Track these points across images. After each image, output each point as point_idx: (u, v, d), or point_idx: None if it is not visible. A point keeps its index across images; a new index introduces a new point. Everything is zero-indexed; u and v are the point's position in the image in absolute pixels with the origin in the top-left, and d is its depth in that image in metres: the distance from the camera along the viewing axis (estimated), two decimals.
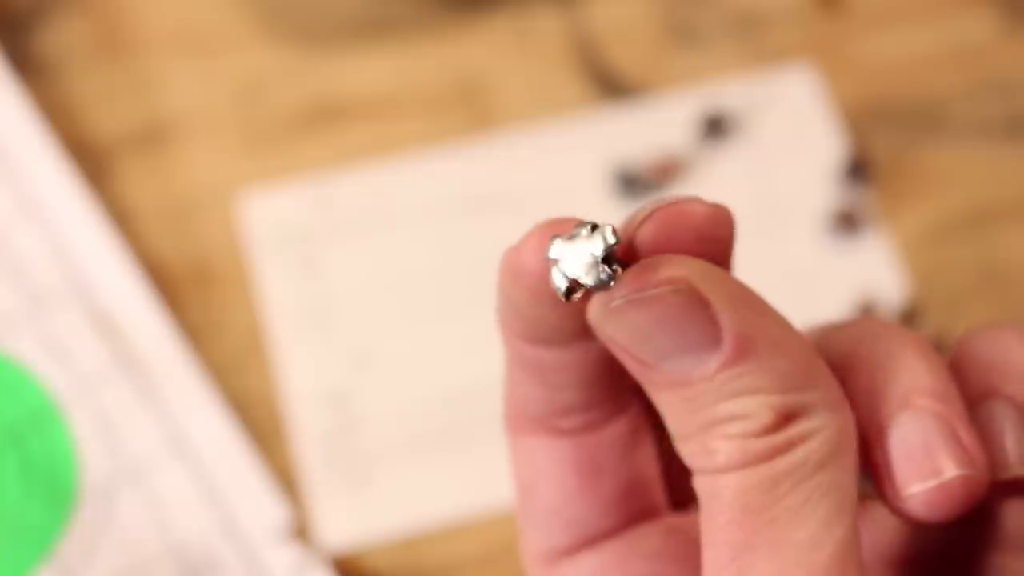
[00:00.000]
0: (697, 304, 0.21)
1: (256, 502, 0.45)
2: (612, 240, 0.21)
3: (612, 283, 0.21)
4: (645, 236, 0.22)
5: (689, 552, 0.26)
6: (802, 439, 0.21)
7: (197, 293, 0.49)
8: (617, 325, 0.21)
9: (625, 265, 0.22)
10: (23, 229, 0.49)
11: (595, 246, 0.21)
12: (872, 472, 0.23)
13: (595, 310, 0.22)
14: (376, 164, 0.51)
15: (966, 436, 0.22)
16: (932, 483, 0.22)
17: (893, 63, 0.53)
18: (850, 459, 0.21)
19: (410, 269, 0.49)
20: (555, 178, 0.51)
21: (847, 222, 0.49)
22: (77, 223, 0.49)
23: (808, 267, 0.49)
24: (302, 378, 0.48)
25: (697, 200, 0.22)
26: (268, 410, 0.47)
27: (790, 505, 0.21)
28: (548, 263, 0.22)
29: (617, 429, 0.26)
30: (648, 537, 0.26)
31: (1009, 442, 0.23)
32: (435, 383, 0.47)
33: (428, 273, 0.49)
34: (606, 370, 0.25)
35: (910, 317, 0.48)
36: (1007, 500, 0.24)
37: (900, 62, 0.53)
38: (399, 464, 0.46)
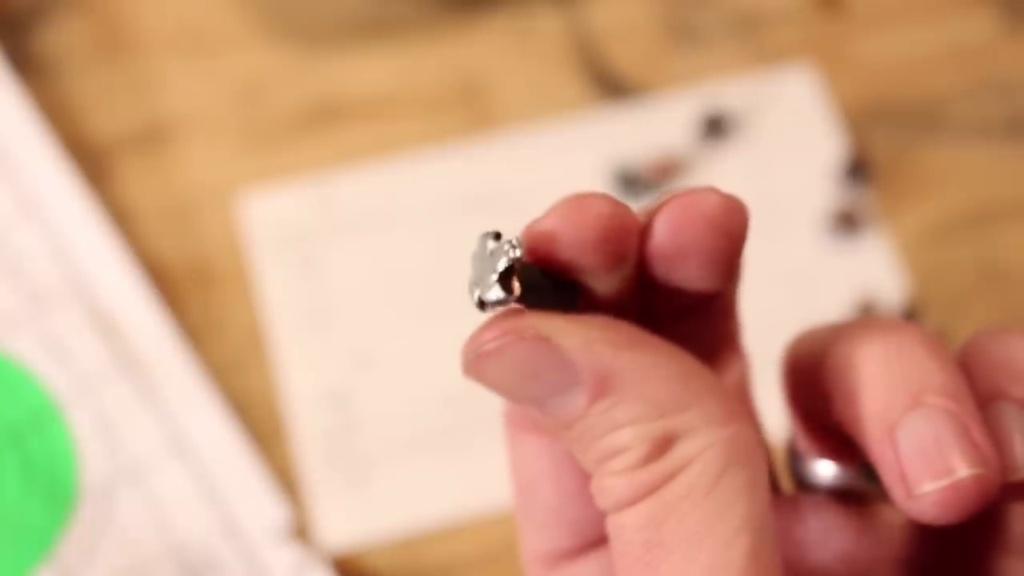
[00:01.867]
0: (544, 348, 0.21)
1: (256, 502, 0.45)
2: (507, 266, 0.21)
3: (500, 306, 0.21)
4: (659, 225, 0.22)
5: None
6: (686, 464, 0.21)
7: (197, 293, 0.49)
8: (478, 376, 0.22)
9: (547, 288, 0.22)
10: (23, 229, 0.49)
11: (496, 277, 0.21)
12: (882, 471, 0.23)
13: (462, 365, 0.22)
14: (376, 164, 0.51)
15: (978, 435, 0.22)
16: (945, 482, 0.22)
17: (893, 63, 0.53)
18: (746, 472, 0.21)
19: (410, 269, 0.49)
20: (555, 178, 0.51)
21: (847, 222, 0.49)
22: (77, 223, 0.49)
23: (808, 267, 0.49)
24: (302, 378, 0.48)
25: (711, 190, 0.22)
26: (268, 410, 0.47)
27: (687, 533, 0.20)
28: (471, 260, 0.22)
29: None
30: None
31: (1017, 444, 0.23)
32: (435, 383, 0.47)
33: (428, 273, 0.49)
34: None
35: (910, 317, 0.48)
36: (1014, 503, 0.24)
37: (900, 62, 0.53)
38: (399, 464, 0.46)
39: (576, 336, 0.21)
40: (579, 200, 0.22)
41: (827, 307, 0.48)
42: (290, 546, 0.44)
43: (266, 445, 0.46)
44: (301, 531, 0.45)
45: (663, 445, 0.21)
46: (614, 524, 0.21)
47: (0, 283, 0.48)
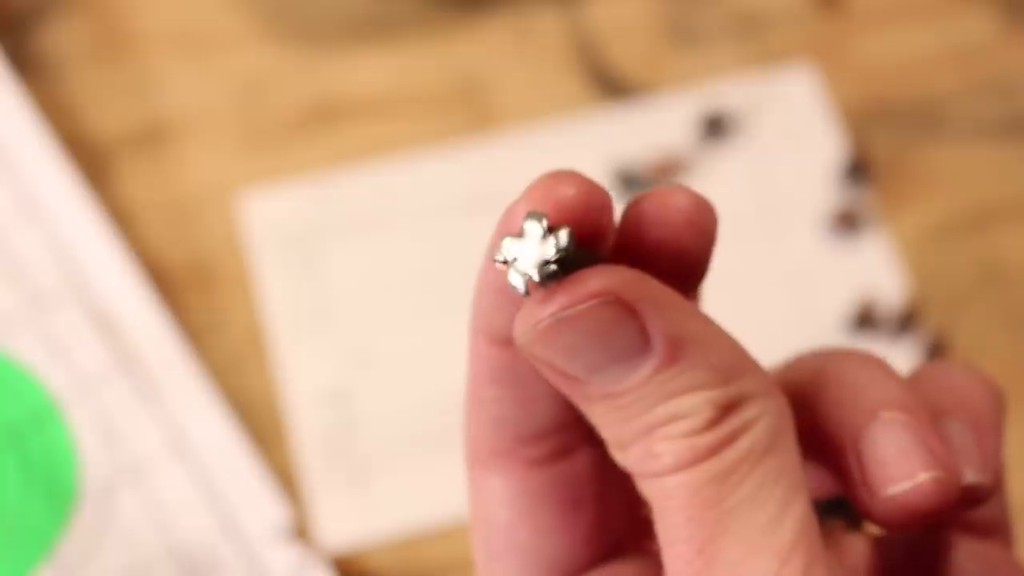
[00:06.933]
0: (625, 314, 0.21)
1: (256, 502, 0.45)
2: (564, 240, 0.21)
3: (560, 278, 0.21)
4: (632, 220, 0.22)
5: None
6: (746, 428, 0.21)
7: (197, 293, 0.49)
8: (545, 345, 0.21)
9: (584, 255, 0.21)
10: (23, 229, 0.49)
11: (545, 244, 0.21)
12: (846, 481, 0.23)
13: (520, 332, 0.22)
14: (376, 164, 0.51)
15: (935, 443, 0.23)
16: (907, 485, 0.22)
17: (893, 63, 0.53)
18: (791, 441, 0.22)
19: (410, 269, 0.49)
20: None
21: (847, 222, 0.49)
22: (77, 223, 0.49)
23: (808, 267, 0.49)
24: (302, 378, 0.48)
25: (680, 190, 0.22)
26: (268, 410, 0.47)
27: (746, 493, 0.21)
28: (502, 266, 0.21)
29: (587, 458, 0.26)
30: (623, 570, 0.26)
31: (962, 454, 0.24)
32: (435, 383, 0.47)
33: (428, 273, 0.49)
34: None
35: (910, 317, 0.48)
36: (963, 541, 0.26)
37: (900, 62, 0.53)
38: (399, 464, 0.46)
39: (651, 302, 0.21)
40: (558, 177, 0.22)
41: (827, 307, 0.48)
42: (290, 546, 0.44)
43: (266, 445, 0.46)
44: (301, 531, 0.45)
45: (727, 410, 0.21)
46: (662, 486, 0.21)
47: (0, 283, 0.48)
